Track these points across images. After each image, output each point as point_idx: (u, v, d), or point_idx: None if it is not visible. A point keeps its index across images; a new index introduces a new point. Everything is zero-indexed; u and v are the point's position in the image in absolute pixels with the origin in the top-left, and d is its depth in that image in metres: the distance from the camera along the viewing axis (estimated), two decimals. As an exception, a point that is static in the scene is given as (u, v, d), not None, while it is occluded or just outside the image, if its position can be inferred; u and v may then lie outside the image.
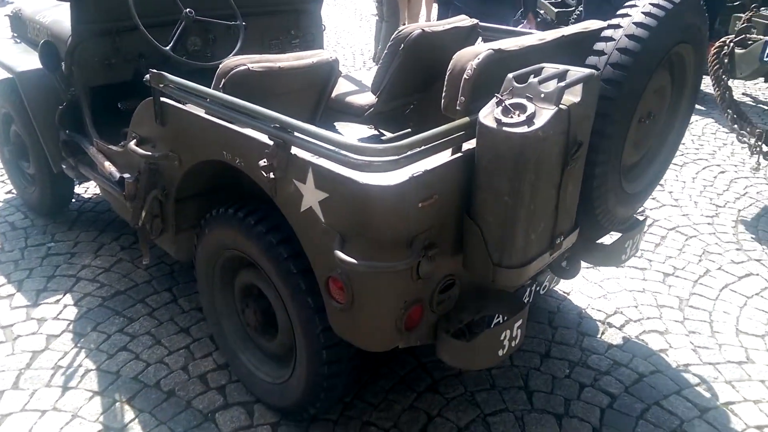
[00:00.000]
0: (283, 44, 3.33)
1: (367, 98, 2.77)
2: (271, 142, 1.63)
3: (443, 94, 1.75)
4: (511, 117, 1.48)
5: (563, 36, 1.85)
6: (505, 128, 1.46)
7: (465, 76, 1.63)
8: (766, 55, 3.24)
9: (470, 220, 1.58)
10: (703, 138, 5.05)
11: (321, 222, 1.57)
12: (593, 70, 1.59)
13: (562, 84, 1.48)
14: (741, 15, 6.25)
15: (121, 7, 2.53)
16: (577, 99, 1.54)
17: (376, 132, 2.86)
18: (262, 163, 1.63)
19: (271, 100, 1.99)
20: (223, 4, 2.88)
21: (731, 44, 3.54)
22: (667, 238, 3.44)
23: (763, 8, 6.06)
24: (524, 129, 1.44)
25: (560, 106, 1.48)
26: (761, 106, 5.97)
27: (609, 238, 2.27)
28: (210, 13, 2.85)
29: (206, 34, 2.95)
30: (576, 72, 1.58)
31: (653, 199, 3.88)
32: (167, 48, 2.66)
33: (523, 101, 1.50)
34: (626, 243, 2.24)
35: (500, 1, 5.23)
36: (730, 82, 3.65)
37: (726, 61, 3.57)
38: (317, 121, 2.51)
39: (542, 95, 1.48)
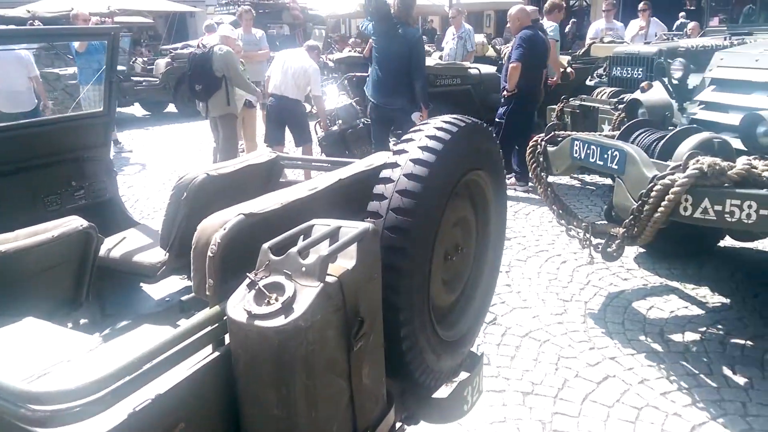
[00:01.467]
0: (63, 198, 2.85)
1: (158, 255, 2.36)
2: None
3: (191, 274, 1.39)
4: (266, 304, 1.14)
5: (340, 180, 1.60)
6: (257, 321, 1.11)
7: (209, 253, 1.29)
8: (575, 151, 3.32)
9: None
10: (541, 228, 5.16)
11: None
12: (368, 224, 1.32)
13: (325, 253, 1.18)
14: (554, 107, 6.81)
15: None
16: (351, 264, 1.25)
17: (189, 282, 2.43)
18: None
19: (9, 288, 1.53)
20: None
21: (543, 143, 3.63)
22: (521, 347, 3.26)
23: (572, 98, 6.63)
24: (281, 320, 1.10)
25: (327, 280, 1.17)
26: (589, 187, 6.35)
27: (446, 388, 1.97)
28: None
29: None
30: (349, 228, 1.30)
31: (503, 303, 3.75)
32: None
33: (281, 279, 1.17)
34: (465, 390, 1.94)
35: (393, 93, 5.37)
36: (550, 178, 3.71)
37: (541, 159, 3.63)
38: (85, 300, 2.04)
39: (303, 269, 1.17)
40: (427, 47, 13.77)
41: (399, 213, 1.46)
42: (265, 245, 1.22)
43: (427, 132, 1.62)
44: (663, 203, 2.62)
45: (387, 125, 5.81)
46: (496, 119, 6.38)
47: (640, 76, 6.06)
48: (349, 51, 11.29)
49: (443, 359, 1.69)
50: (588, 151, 3.22)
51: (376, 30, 5.45)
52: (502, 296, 3.81)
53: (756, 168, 2.60)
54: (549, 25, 7.52)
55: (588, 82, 7.04)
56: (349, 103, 6.45)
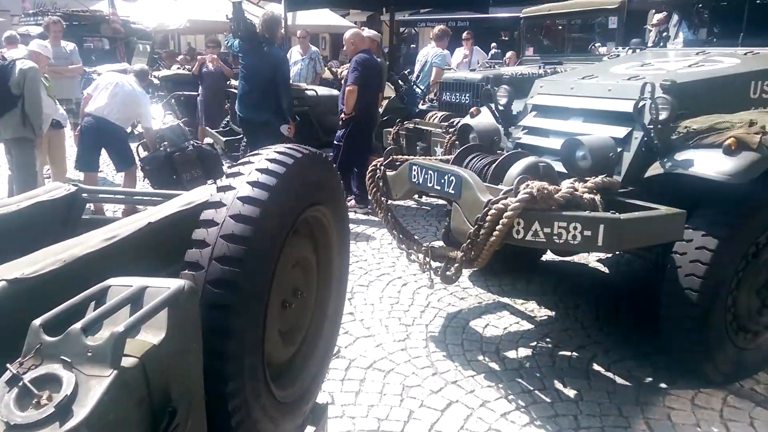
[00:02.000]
0: None
1: None
2: None
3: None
4: (34, 407, 0.84)
5: (150, 224, 1.31)
6: (19, 434, 0.81)
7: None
8: (413, 176, 3.30)
9: None
10: (382, 250, 5.14)
11: None
12: (183, 281, 1.07)
13: (121, 329, 0.91)
14: (390, 130, 6.92)
15: None
16: (159, 336, 0.99)
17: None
18: None
19: None
20: None
21: (382, 167, 3.58)
22: (366, 380, 3.13)
23: (406, 122, 6.78)
24: (54, 430, 0.81)
25: (124, 364, 0.90)
26: (424, 207, 6.51)
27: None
28: None
29: None
30: (158, 289, 1.04)
31: (346, 333, 3.60)
32: None
33: (57, 370, 0.88)
34: (309, 450, 1.74)
35: (259, 107, 5.70)
36: (390, 203, 3.66)
37: (381, 183, 3.57)
38: None
39: (89, 352, 0.89)
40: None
41: (225, 263, 1.22)
42: (36, 322, 0.92)
43: (258, 164, 1.40)
44: (498, 227, 2.66)
45: (255, 138, 5.94)
46: (335, 142, 6.33)
47: (467, 101, 6.40)
48: (178, 68, 10.60)
49: (282, 424, 1.47)
50: (426, 176, 3.21)
51: (242, 48, 5.84)
52: (346, 326, 3.67)
53: (577, 190, 2.75)
54: (436, 52, 7.67)
55: (421, 107, 7.28)
56: (176, 124, 5.94)
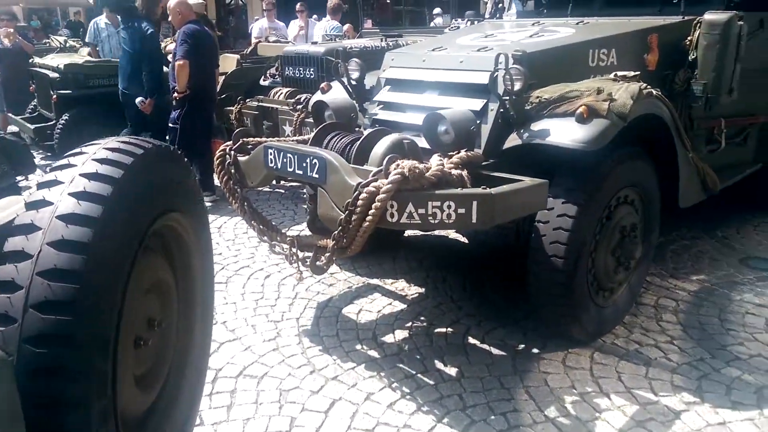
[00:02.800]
0: None
1: None
2: None
3: None
4: None
5: None
6: None
7: None
8: (269, 161, 3.00)
9: None
10: (238, 241, 4.76)
11: None
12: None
13: None
14: (231, 108, 6.44)
15: None
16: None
17: None
18: None
19: None
20: None
21: (232, 152, 3.22)
22: (237, 390, 2.83)
23: (249, 99, 6.34)
24: None
25: None
26: (278, 190, 6.17)
27: None
28: None
29: None
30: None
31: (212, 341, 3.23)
32: None
33: None
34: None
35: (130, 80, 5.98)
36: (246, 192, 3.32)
37: (233, 171, 3.22)
38: None
39: None
40: (73, 41, 11.90)
41: (47, 310, 0.88)
42: None
43: (85, 167, 1.05)
44: (371, 211, 2.49)
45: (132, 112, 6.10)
46: (170, 124, 5.73)
47: (312, 76, 6.12)
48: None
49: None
50: (285, 160, 2.93)
51: (121, 21, 6.23)
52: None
53: (445, 167, 2.66)
54: (332, 24, 7.10)
55: (262, 82, 6.86)
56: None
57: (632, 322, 3.40)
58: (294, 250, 3.10)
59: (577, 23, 3.99)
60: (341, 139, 3.12)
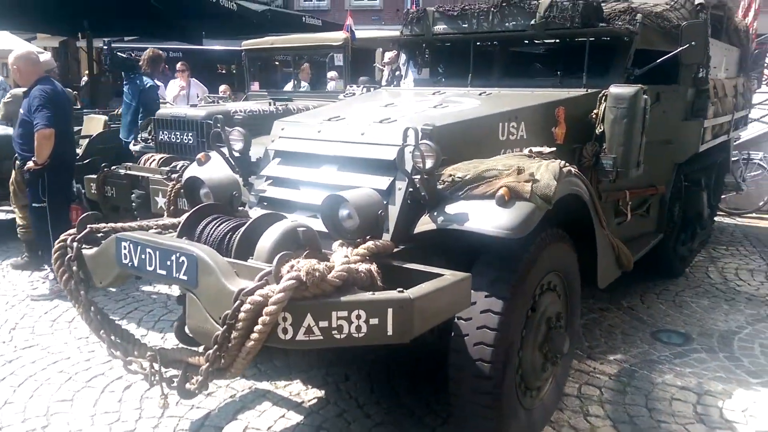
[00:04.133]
0: None
1: None
2: None
3: None
4: None
5: None
6: None
7: None
8: (123, 256, 2.35)
9: None
10: (93, 339, 3.90)
11: None
12: None
13: None
14: (93, 177, 5.58)
15: None
16: None
17: None
18: None
19: None
20: None
21: (74, 245, 2.52)
22: None
23: (115, 167, 5.53)
24: None
25: None
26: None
27: None
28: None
29: None
30: None
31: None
32: None
33: None
34: None
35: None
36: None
37: (75, 268, 2.51)
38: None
39: None
40: None
41: None
42: None
43: None
44: (257, 327, 1.92)
45: None
46: (34, 205, 4.85)
47: (191, 142, 5.50)
48: None
49: None
50: (143, 257, 2.30)
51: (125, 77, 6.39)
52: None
53: (351, 262, 2.18)
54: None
55: (132, 147, 6.09)
56: None
57: (559, 420, 3.03)
58: (156, 368, 2.42)
59: (480, 94, 3.76)
60: (219, 225, 2.54)
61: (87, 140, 6.80)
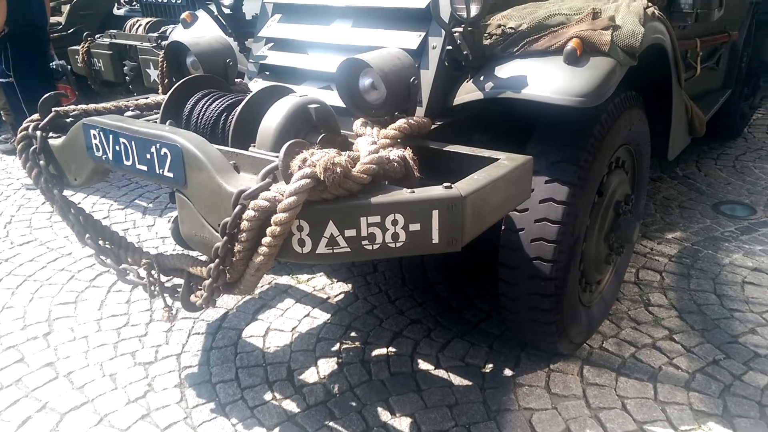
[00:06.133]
0: None
1: None
2: None
3: None
4: None
5: None
6: None
7: None
8: (94, 147, 1.88)
9: None
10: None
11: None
12: None
13: None
14: (78, 48, 4.97)
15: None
16: None
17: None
18: None
19: None
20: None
21: (38, 133, 2.04)
22: None
23: (99, 36, 4.90)
24: None
25: None
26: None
27: None
28: None
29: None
30: None
31: (42, 403, 2.18)
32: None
33: None
34: None
35: None
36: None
37: (42, 162, 2.06)
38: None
39: None
40: None
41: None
42: None
43: None
44: (265, 240, 1.49)
45: None
46: (1, 80, 4.33)
47: (179, 1, 4.79)
48: None
49: None
50: (117, 148, 1.82)
51: None
52: (40, 390, 2.24)
53: (380, 148, 1.69)
54: None
55: (116, 11, 5.39)
56: None
57: (618, 312, 2.69)
58: (155, 276, 2.05)
59: None
60: (211, 103, 2.03)
61: (69, 6, 6.09)
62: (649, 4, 2.11)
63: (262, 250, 1.51)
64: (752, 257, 3.07)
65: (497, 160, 1.75)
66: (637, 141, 2.39)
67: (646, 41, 1.97)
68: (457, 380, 2.33)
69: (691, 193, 3.82)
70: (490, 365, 2.40)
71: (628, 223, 2.35)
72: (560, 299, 2.08)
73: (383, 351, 2.51)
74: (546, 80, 1.87)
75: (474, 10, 1.87)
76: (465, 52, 1.99)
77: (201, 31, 2.74)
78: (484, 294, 2.82)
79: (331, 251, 1.50)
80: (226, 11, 2.58)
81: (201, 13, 2.92)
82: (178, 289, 2.04)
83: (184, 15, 2.97)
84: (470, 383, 2.31)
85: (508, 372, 2.36)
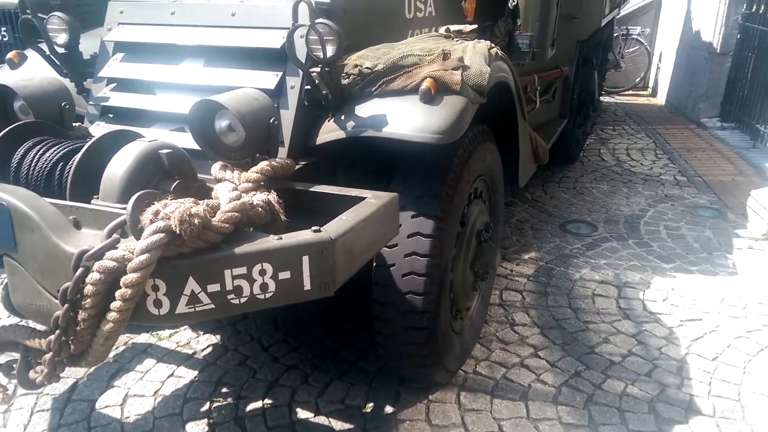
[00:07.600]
0: None
1: None
2: None
3: None
4: None
5: None
6: None
7: None
8: None
9: None
10: None
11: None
12: None
13: None
14: None
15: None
16: None
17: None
18: None
19: None
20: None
21: None
22: None
23: None
24: None
25: None
26: None
27: None
28: None
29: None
30: None
31: None
32: None
33: None
34: None
35: None
36: None
37: None
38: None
39: None
40: None
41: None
42: None
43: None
44: (115, 304, 1.33)
45: None
46: None
47: (6, 39, 4.34)
48: None
49: None
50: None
51: None
52: None
53: (241, 193, 1.60)
54: None
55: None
56: None
57: (487, 335, 2.78)
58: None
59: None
60: (44, 152, 1.81)
61: None
62: (492, 45, 2.25)
63: (112, 316, 1.35)
64: (598, 271, 3.36)
65: (364, 198, 1.74)
66: (491, 172, 2.52)
67: (492, 79, 2.09)
68: (338, 425, 2.26)
69: (540, 215, 4.13)
70: (371, 404, 2.36)
71: (490, 249, 2.46)
72: (434, 331, 2.11)
73: (258, 404, 2.37)
74: (404, 119, 1.91)
75: (330, 50, 1.88)
76: (324, 92, 1.98)
77: (30, 73, 2.47)
78: (359, 331, 2.78)
79: (192, 310, 1.38)
80: (60, 50, 2.35)
81: (30, 53, 2.64)
82: (14, 365, 1.77)
83: (10, 55, 2.67)
84: (352, 426, 2.25)
85: (389, 409, 2.33)
